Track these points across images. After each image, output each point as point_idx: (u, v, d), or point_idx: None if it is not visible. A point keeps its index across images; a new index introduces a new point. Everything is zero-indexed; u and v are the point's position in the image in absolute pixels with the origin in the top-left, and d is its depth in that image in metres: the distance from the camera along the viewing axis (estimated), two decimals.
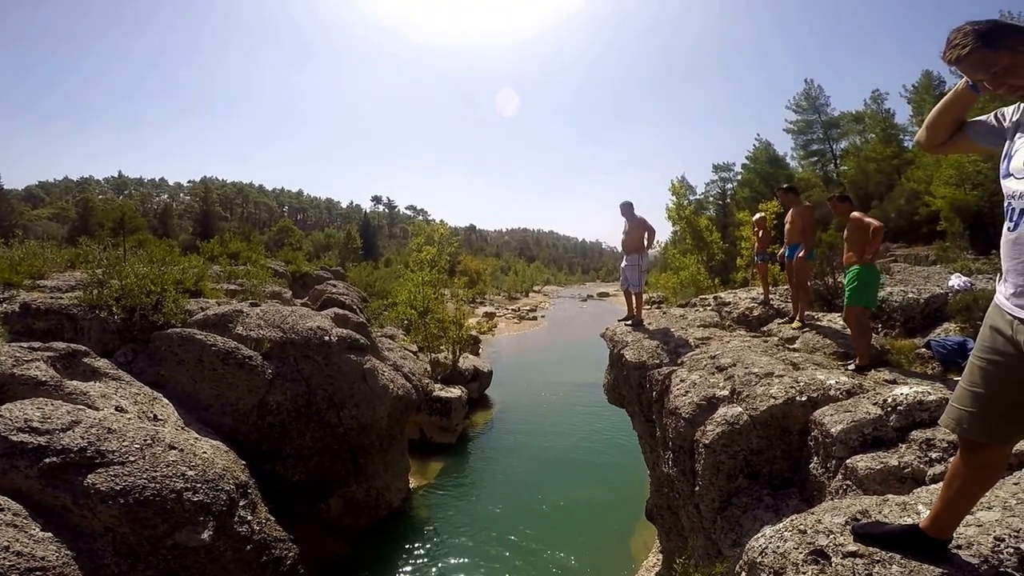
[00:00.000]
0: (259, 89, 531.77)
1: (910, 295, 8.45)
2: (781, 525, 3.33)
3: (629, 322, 10.57)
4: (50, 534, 5.19)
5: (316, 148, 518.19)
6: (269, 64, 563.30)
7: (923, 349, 6.97)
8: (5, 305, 9.97)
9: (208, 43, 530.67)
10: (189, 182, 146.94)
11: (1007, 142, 2.25)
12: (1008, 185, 2.18)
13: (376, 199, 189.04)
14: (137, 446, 6.31)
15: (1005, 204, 2.20)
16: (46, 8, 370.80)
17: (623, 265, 10.71)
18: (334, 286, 24.80)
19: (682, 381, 7.15)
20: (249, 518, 7.32)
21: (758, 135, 72.89)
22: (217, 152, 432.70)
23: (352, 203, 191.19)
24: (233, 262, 25.22)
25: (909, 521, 2.87)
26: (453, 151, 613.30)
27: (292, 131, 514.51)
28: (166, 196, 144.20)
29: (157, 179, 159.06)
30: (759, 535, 3.49)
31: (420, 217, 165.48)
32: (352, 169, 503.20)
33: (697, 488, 6.05)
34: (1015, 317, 2.11)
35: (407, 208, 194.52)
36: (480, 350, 30.77)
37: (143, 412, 7.51)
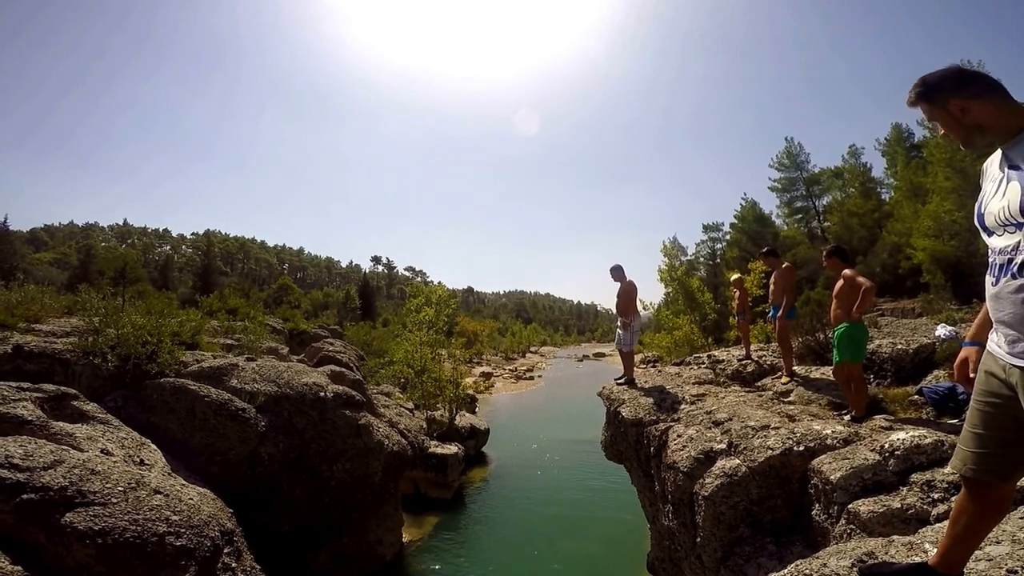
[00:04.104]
0: (266, 145, 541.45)
1: (899, 346, 8.67)
2: (786, 571, 3.31)
3: (622, 381, 10.58)
4: (20, 568, 5.06)
5: (319, 206, 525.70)
6: (275, 122, 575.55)
7: (916, 396, 7.10)
8: None
9: (217, 98, 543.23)
10: (192, 234, 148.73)
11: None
12: (989, 241, 2.24)
13: (376, 259, 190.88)
14: (120, 488, 6.17)
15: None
16: (65, 59, 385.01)
17: (617, 326, 10.75)
18: (331, 344, 24.64)
19: (679, 436, 7.19)
20: (234, 565, 7.12)
21: (744, 194, 73.62)
22: (221, 206, 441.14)
23: (352, 263, 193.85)
24: (231, 317, 25.23)
25: (917, 560, 2.83)
26: (453, 214, 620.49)
27: (296, 188, 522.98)
28: (168, 247, 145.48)
29: (161, 229, 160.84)
30: None
31: (419, 279, 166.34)
32: (353, 229, 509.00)
33: (698, 539, 5.98)
34: (1008, 363, 2.14)
35: (406, 269, 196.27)
36: (477, 409, 30.66)
37: (129, 456, 7.38)
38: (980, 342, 2.44)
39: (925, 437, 4.87)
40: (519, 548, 14.30)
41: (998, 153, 2.24)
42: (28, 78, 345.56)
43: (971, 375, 2.42)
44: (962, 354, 2.55)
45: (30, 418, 6.77)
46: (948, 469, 4.30)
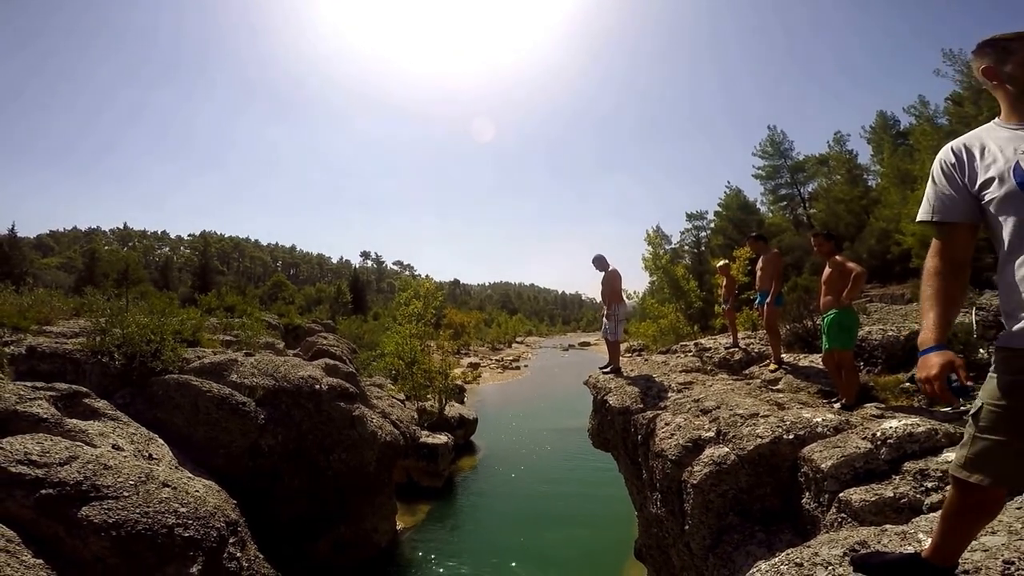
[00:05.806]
0: (256, 147, 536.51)
1: (890, 333, 8.32)
2: (776, 559, 3.19)
3: (608, 369, 10.30)
4: (41, 561, 5.11)
5: (309, 204, 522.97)
6: (265, 123, 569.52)
7: (908, 384, 6.79)
8: (13, 347, 10.06)
9: (208, 102, 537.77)
10: (189, 235, 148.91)
11: None
12: None
13: (365, 254, 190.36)
14: (132, 482, 6.21)
15: None
16: (73, 69, 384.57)
17: (603, 315, 10.55)
18: (325, 338, 24.57)
19: (667, 424, 6.98)
20: (238, 555, 7.12)
21: (728, 182, 71.58)
22: (217, 207, 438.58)
23: (342, 258, 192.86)
24: (229, 315, 25.20)
25: (911, 550, 2.71)
26: (439, 208, 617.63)
27: (287, 186, 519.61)
28: (167, 249, 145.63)
29: (159, 232, 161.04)
30: (754, 570, 3.33)
31: (407, 272, 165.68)
32: (343, 225, 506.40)
33: (687, 527, 5.85)
34: None
35: (394, 263, 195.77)
36: (465, 399, 30.61)
37: (139, 451, 7.40)
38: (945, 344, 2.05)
39: (918, 425, 4.75)
40: (508, 534, 14.31)
41: (992, 126, 2.10)
42: (31, 91, 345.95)
43: (966, 383, 1.93)
44: (940, 359, 1.97)
45: (45, 416, 6.80)
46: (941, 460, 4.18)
